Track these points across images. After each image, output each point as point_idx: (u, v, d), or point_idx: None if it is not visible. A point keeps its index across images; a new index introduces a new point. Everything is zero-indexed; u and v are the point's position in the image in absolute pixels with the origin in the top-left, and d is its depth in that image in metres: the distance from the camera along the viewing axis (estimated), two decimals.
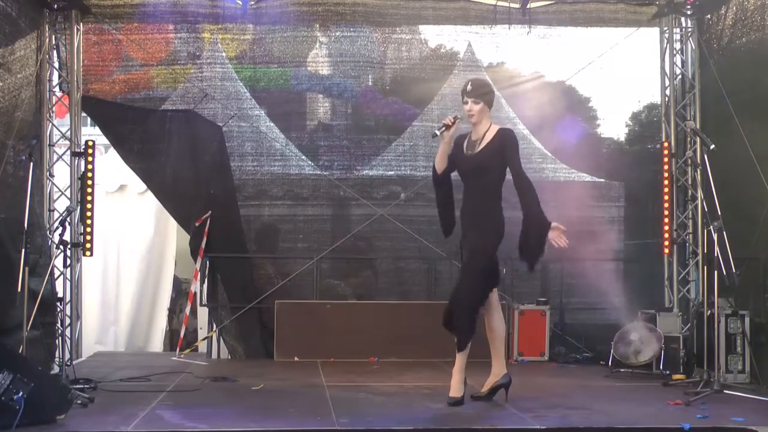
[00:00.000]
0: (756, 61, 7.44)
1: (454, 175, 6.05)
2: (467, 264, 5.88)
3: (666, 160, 8.57)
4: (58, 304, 7.87)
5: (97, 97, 8.73)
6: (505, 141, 5.90)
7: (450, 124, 5.80)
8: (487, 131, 5.90)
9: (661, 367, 7.51)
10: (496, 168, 5.84)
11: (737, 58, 7.83)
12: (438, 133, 5.86)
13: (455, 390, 5.72)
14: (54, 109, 8.46)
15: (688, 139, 8.62)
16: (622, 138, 9.75)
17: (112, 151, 9.37)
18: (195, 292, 8.81)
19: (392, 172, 9.21)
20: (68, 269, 7.75)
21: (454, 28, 9.13)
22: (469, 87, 5.91)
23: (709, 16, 8.43)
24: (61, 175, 8.46)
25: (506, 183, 8.93)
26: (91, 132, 10.23)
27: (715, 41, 8.24)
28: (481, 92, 5.91)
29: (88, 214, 8.22)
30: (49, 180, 8.25)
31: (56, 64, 8.37)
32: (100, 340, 9.75)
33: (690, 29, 8.72)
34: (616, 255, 9.18)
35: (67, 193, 8.39)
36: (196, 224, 8.70)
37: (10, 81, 7.26)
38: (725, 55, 8.05)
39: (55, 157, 8.42)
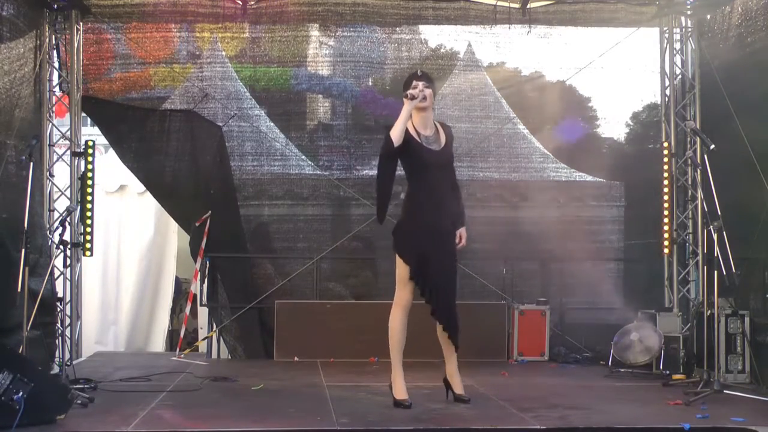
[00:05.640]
0: (762, 61, 7.42)
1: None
2: (453, 266, 5.80)
3: (666, 160, 8.57)
4: (58, 304, 7.87)
5: (97, 97, 8.73)
6: (452, 138, 5.87)
7: (417, 95, 5.59)
8: (436, 125, 5.82)
9: (661, 367, 7.51)
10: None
11: (743, 58, 7.81)
12: (416, 94, 5.54)
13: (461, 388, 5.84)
14: (54, 108, 8.45)
15: (688, 139, 8.62)
16: (622, 138, 9.75)
17: (112, 151, 9.37)
18: (195, 293, 8.81)
19: None
20: (68, 269, 7.76)
21: (454, 28, 9.12)
22: (419, 72, 5.79)
23: (710, 16, 8.43)
24: (61, 175, 8.45)
25: (506, 183, 9.19)
26: (91, 132, 10.23)
27: (721, 42, 8.22)
28: (431, 80, 5.79)
29: (88, 214, 8.22)
30: (49, 180, 8.24)
31: (56, 64, 8.37)
32: (100, 340, 9.75)
33: (690, 29, 8.72)
34: (616, 255, 9.20)
35: (67, 193, 8.38)
36: (196, 224, 8.70)
37: (9, 80, 7.25)
38: (731, 56, 8.02)
39: (55, 157, 8.41)
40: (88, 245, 8.26)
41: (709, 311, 6.79)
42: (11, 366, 4.89)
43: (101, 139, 9.42)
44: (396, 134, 5.48)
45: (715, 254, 6.27)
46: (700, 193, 7.53)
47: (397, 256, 5.70)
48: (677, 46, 8.82)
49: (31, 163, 6.06)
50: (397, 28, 9.13)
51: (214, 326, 8.73)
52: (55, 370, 6.95)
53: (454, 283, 5.83)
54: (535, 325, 8.51)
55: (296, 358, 8.33)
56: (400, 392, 5.67)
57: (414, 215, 5.67)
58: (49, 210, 8.20)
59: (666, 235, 8.54)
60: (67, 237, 6.61)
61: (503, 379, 7.37)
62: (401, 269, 5.67)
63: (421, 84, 5.64)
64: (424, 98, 5.62)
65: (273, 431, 5.01)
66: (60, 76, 8.41)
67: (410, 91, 5.59)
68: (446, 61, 9.31)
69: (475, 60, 9.21)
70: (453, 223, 5.78)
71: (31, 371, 5.03)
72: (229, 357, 8.74)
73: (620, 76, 8.91)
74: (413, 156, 5.60)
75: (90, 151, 8.26)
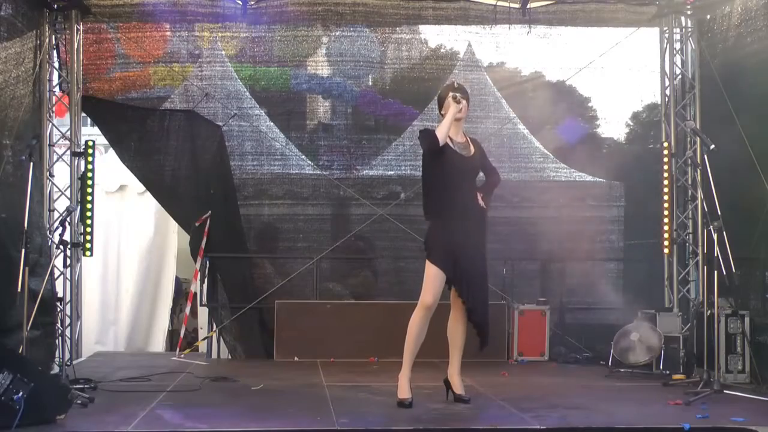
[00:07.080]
0: (762, 61, 7.42)
1: None
2: (484, 267, 5.90)
3: (666, 160, 8.56)
4: (58, 304, 7.87)
5: (96, 96, 8.72)
6: (482, 150, 6.10)
7: (461, 101, 5.81)
8: (466, 136, 6.02)
9: (661, 367, 7.52)
10: None
11: (743, 58, 7.80)
12: (459, 97, 5.79)
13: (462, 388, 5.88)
14: (54, 108, 8.44)
15: (688, 139, 8.61)
16: (622, 138, 9.76)
17: (112, 151, 9.37)
18: (195, 292, 8.81)
19: (392, 172, 9.22)
20: (68, 269, 7.75)
21: (454, 28, 9.12)
22: (456, 84, 5.99)
23: (709, 16, 8.43)
24: (61, 175, 8.45)
25: (506, 183, 9.16)
26: (91, 132, 10.23)
27: (720, 42, 8.22)
28: (467, 93, 5.97)
29: (88, 214, 8.21)
30: (49, 180, 8.24)
31: (56, 64, 8.36)
32: (100, 340, 9.74)
33: (690, 29, 8.71)
34: (616, 255, 9.20)
35: (67, 193, 8.38)
36: (196, 224, 8.69)
37: (3, 79, 7.25)
38: (730, 56, 8.02)
39: (55, 157, 8.40)
40: (88, 245, 8.26)
41: (709, 311, 6.80)
42: (11, 366, 4.89)
43: (101, 139, 9.41)
44: (442, 134, 5.68)
45: (715, 254, 6.27)
46: (700, 193, 7.53)
47: (426, 258, 5.78)
48: (677, 46, 8.81)
49: (31, 163, 6.06)
50: (397, 28, 9.14)
51: (214, 326, 8.73)
52: (55, 370, 6.95)
53: (486, 282, 5.94)
54: (535, 325, 8.51)
55: (296, 358, 8.33)
56: (403, 391, 5.70)
57: (443, 219, 5.78)
58: (49, 210, 8.19)
59: (666, 235, 8.53)
60: (67, 237, 6.61)
61: (503, 379, 7.37)
62: (428, 270, 5.74)
63: (459, 95, 5.84)
64: (459, 110, 5.81)
65: (273, 431, 5.01)
66: (60, 75, 8.41)
67: (456, 94, 5.81)
68: (446, 61, 9.31)
69: (475, 60, 9.21)
70: (479, 224, 5.89)
71: (31, 371, 5.03)
72: (229, 357, 8.74)
73: (620, 76, 8.91)
74: (445, 160, 5.76)
75: (90, 151, 8.25)
